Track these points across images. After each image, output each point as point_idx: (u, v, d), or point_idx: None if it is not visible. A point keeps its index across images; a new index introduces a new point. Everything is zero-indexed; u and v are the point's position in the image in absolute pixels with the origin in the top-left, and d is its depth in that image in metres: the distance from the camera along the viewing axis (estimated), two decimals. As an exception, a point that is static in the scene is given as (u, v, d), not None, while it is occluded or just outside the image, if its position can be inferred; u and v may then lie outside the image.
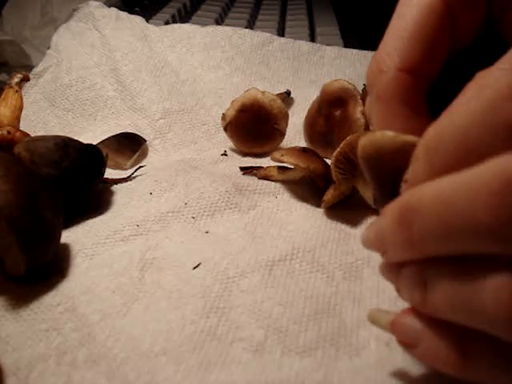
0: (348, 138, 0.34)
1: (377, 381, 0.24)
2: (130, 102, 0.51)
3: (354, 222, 0.36)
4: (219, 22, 0.74)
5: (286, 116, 0.46)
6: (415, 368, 0.24)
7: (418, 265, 0.18)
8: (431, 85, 0.22)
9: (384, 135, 0.20)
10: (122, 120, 0.50)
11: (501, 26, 0.22)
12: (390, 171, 0.20)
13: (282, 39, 0.59)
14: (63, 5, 0.69)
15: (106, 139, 0.46)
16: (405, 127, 0.21)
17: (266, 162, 0.44)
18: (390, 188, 0.20)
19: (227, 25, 0.66)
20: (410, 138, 0.19)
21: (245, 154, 0.47)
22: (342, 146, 0.35)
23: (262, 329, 0.27)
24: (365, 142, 0.21)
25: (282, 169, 0.40)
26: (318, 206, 0.38)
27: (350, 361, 0.26)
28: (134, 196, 0.39)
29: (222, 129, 0.47)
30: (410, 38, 0.21)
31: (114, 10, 0.58)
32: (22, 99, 0.44)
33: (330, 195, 0.36)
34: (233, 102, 0.46)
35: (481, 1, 0.22)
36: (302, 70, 0.57)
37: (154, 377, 0.25)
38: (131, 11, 0.63)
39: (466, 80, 0.20)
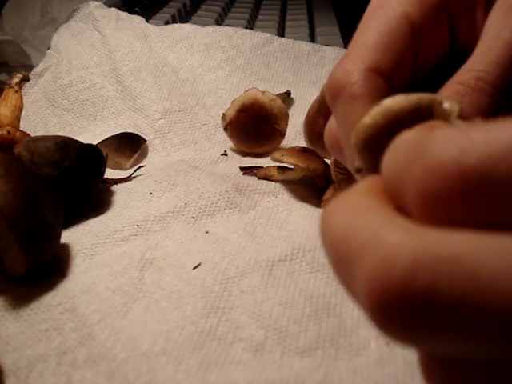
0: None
1: (377, 380, 0.24)
2: (130, 102, 0.51)
3: (354, 222, 0.36)
4: (219, 21, 0.74)
5: (286, 116, 0.46)
6: (415, 367, 0.24)
7: None
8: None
9: (394, 100, 0.16)
10: (121, 120, 0.50)
11: (469, 43, 0.23)
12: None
13: (282, 39, 0.59)
14: (63, 5, 0.68)
15: (106, 139, 0.46)
16: None
17: (266, 162, 0.44)
18: None
19: (227, 25, 0.66)
20: (421, 94, 0.16)
21: (245, 154, 0.47)
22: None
23: (262, 329, 0.27)
24: (371, 118, 0.17)
25: (282, 169, 0.40)
26: (318, 206, 0.38)
27: (350, 360, 0.26)
28: (134, 196, 0.39)
29: (221, 129, 0.47)
30: (378, 47, 0.21)
31: (114, 10, 0.58)
32: (22, 99, 0.44)
33: (329, 195, 0.36)
34: (233, 101, 0.46)
35: (444, 25, 0.22)
36: (302, 70, 0.57)
37: (154, 377, 0.25)
38: (131, 11, 0.63)
39: None
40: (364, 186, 0.15)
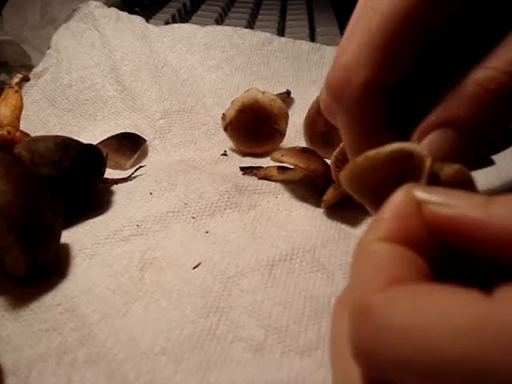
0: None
1: (377, 381, 0.24)
2: (130, 102, 0.51)
3: (353, 222, 0.36)
4: (219, 21, 0.74)
5: (286, 116, 0.46)
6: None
7: None
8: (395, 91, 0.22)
9: (365, 157, 0.20)
10: (121, 120, 0.50)
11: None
12: (383, 187, 0.20)
13: (282, 39, 0.59)
14: (63, 5, 0.69)
15: (106, 139, 0.46)
16: (380, 141, 0.21)
17: (266, 162, 0.44)
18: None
19: (227, 25, 0.66)
20: (391, 146, 0.19)
21: (245, 154, 0.47)
22: (341, 145, 0.35)
23: (262, 329, 0.27)
24: (348, 172, 0.21)
25: (281, 169, 0.40)
26: (318, 206, 0.38)
27: (349, 361, 0.26)
28: (133, 196, 0.39)
29: (221, 129, 0.47)
30: (377, 47, 0.21)
31: (113, 10, 0.58)
32: (22, 99, 0.44)
33: (329, 195, 0.36)
34: (233, 102, 0.46)
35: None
36: (302, 69, 0.57)
37: (154, 377, 0.25)
38: (131, 11, 0.63)
39: (430, 86, 0.22)
40: (341, 306, 0.19)
